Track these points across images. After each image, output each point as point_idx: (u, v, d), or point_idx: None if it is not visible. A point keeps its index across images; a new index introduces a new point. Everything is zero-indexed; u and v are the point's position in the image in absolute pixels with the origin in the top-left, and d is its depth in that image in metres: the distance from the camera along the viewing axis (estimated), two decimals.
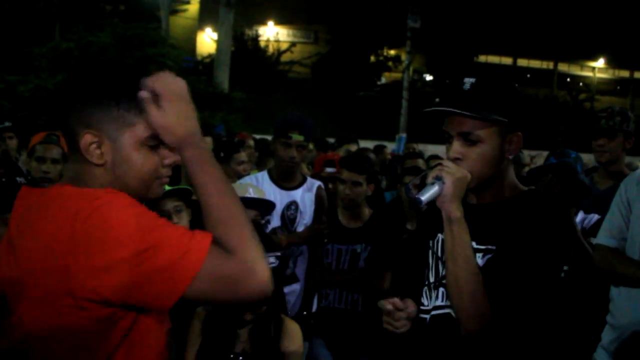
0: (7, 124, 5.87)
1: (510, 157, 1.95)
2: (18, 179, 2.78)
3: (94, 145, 1.45)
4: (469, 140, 1.90)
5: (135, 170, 1.49)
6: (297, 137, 3.63)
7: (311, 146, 7.01)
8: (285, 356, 2.54)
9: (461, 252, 1.85)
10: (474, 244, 1.91)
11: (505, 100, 1.91)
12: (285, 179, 3.79)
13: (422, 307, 2.08)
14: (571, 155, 3.38)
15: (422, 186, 1.88)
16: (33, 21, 12.75)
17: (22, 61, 11.81)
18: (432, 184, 1.84)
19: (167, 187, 2.86)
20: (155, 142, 1.49)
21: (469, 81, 1.93)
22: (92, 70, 1.53)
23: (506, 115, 1.88)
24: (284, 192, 3.77)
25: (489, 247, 1.92)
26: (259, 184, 3.70)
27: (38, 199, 1.43)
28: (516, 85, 1.99)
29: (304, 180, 3.87)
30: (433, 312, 2.03)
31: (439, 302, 2.02)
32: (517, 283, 1.82)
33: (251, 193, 3.08)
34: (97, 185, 1.46)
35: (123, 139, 1.46)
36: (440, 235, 2.03)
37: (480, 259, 1.91)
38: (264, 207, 3.08)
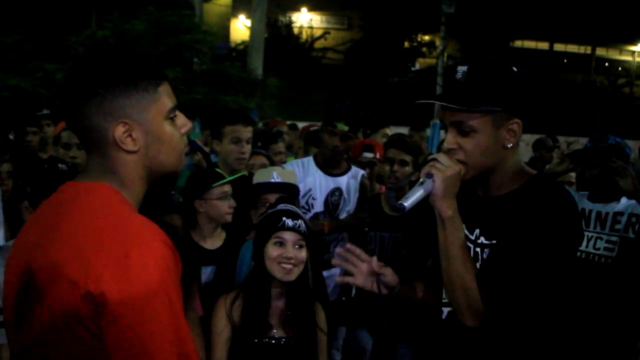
0: (45, 111, 5.96)
1: (509, 145, 1.88)
2: (60, 165, 2.79)
3: (126, 134, 1.45)
4: (462, 130, 1.85)
5: (168, 144, 1.51)
6: (342, 127, 3.65)
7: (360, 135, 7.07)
8: (319, 340, 2.54)
9: (454, 250, 1.83)
10: (482, 239, 1.90)
11: (499, 88, 1.83)
12: (330, 166, 3.81)
13: (443, 300, 2.06)
14: (608, 141, 3.36)
15: (414, 183, 1.84)
16: (70, 9, 12.87)
17: (59, 50, 11.93)
18: (421, 183, 1.82)
19: (228, 177, 3.13)
20: (174, 112, 1.52)
21: (461, 70, 1.87)
22: (98, 64, 1.48)
23: (500, 103, 1.82)
24: (329, 178, 3.78)
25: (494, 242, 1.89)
26: (305, 169, 3.71)
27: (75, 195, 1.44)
28: (514, 68, 1.88)
29: (349, 168, 3.88)
30: (449, 308, 2.02)
31: None
32: (521, 276, 1.77)
33: (275, 177, 3.08)
34: (134, 174, 1.47)
35: (150, 118, 1.47)
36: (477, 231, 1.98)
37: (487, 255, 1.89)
38: (288, 191, 3.07)
